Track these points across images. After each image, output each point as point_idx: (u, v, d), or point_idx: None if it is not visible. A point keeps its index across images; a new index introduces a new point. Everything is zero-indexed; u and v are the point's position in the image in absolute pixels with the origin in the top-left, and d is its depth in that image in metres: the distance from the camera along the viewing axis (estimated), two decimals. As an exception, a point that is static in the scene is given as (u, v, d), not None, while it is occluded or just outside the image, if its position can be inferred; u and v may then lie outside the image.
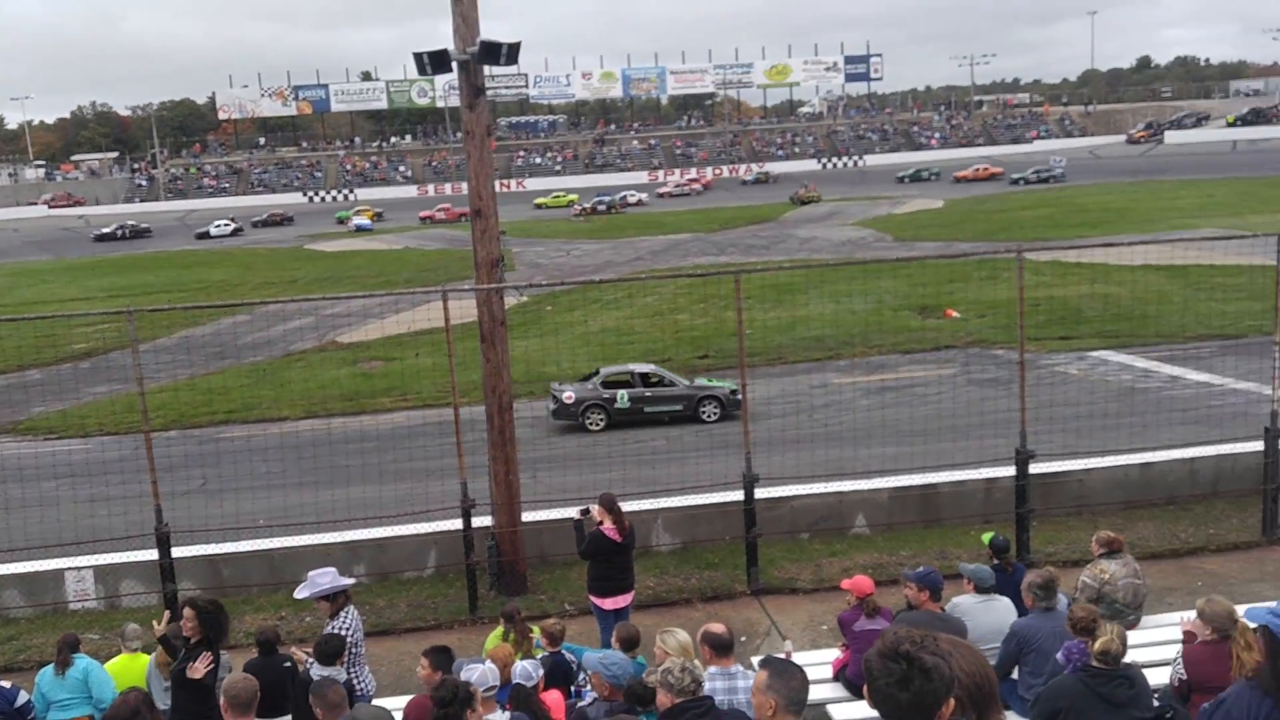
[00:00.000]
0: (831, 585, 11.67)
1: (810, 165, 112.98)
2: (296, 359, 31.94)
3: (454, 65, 12.12)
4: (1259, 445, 13.40)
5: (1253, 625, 4.50)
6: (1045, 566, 9.50)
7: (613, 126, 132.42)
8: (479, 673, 5.87)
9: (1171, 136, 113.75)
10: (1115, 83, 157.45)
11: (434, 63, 12.17)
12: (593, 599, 10.43)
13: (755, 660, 8.81)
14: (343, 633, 7.63)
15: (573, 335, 31.47)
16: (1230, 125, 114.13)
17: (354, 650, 7.72)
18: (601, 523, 10.11)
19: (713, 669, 6.06)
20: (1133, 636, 9.06)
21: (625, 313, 35.28)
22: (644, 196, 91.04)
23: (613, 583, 10.31)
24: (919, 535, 13.91)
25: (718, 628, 6.28)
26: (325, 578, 7.82)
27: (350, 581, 7.95)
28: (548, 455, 18.57)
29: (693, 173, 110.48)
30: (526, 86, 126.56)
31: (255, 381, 29.03)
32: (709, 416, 23.24)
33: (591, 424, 23.01)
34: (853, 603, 8.47)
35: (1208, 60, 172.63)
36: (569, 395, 23.25)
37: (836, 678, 8.46)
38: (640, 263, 50.01)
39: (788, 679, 3.95)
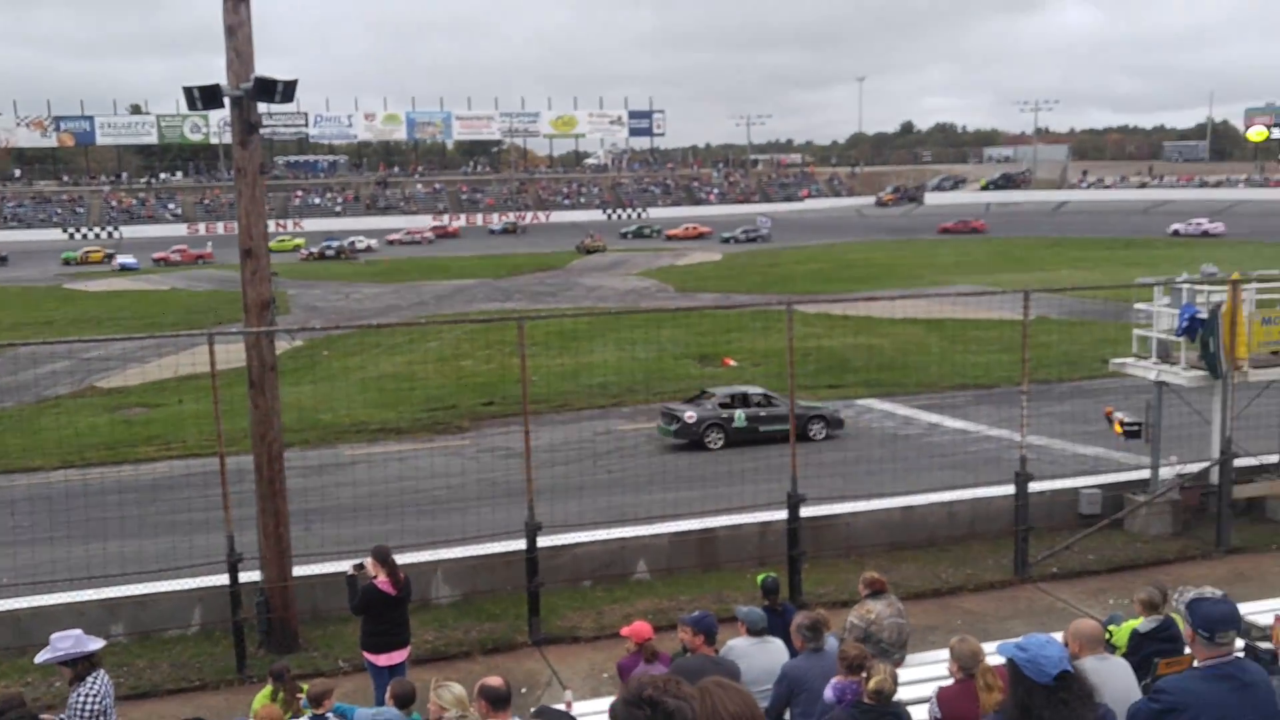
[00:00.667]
0: (613, 632, 11.67)
1: (596, 215, 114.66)
2: (51, 405, 29.68)
3: (226, 101, 11.69)
4: (1010, 489, 14.34)
5: (1002, 659, 4.73)
6: (815, 608, 9.82)
7: (396, 169, 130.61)
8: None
9: (931, 198, 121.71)
10: (881, 146, 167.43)
11: (205, 98, 11.71)
12: (367, 655, 10.07)
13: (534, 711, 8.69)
14: (87, 701, 7.05)
15: (351, 381, 30.62)
16: (984, 189, 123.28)
17: (102, 719, 7.14)
18: (375, 576, 9.79)
19: (490, 722, 5.93)
20: (905, 674, 9.48)
21: (408, 358, 34.61)
22: (373, 243, 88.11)
23: (387, 638, 9.98)
24: (698, 579, 14.14)
25: (494, 681, 6.16)
26: (66, 641, 7.20)
27: (96, 645, 7.35)
28: (320, 506, 17.86)
29: (439, 220, 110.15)
30: (306, 125, 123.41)
31: (4, 429, 26.82)
32: (817, 435, 23.63)
33: (711, 442, 23.27)
34: (632, 649, 8.48)
35: (964, 127, 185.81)
36: (690, 415, 23.60)
37: (615, 726, 8.42)
38: (424, 308, 49.31)
39: (559, 732, 3.89)
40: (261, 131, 11.98)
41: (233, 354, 12.77)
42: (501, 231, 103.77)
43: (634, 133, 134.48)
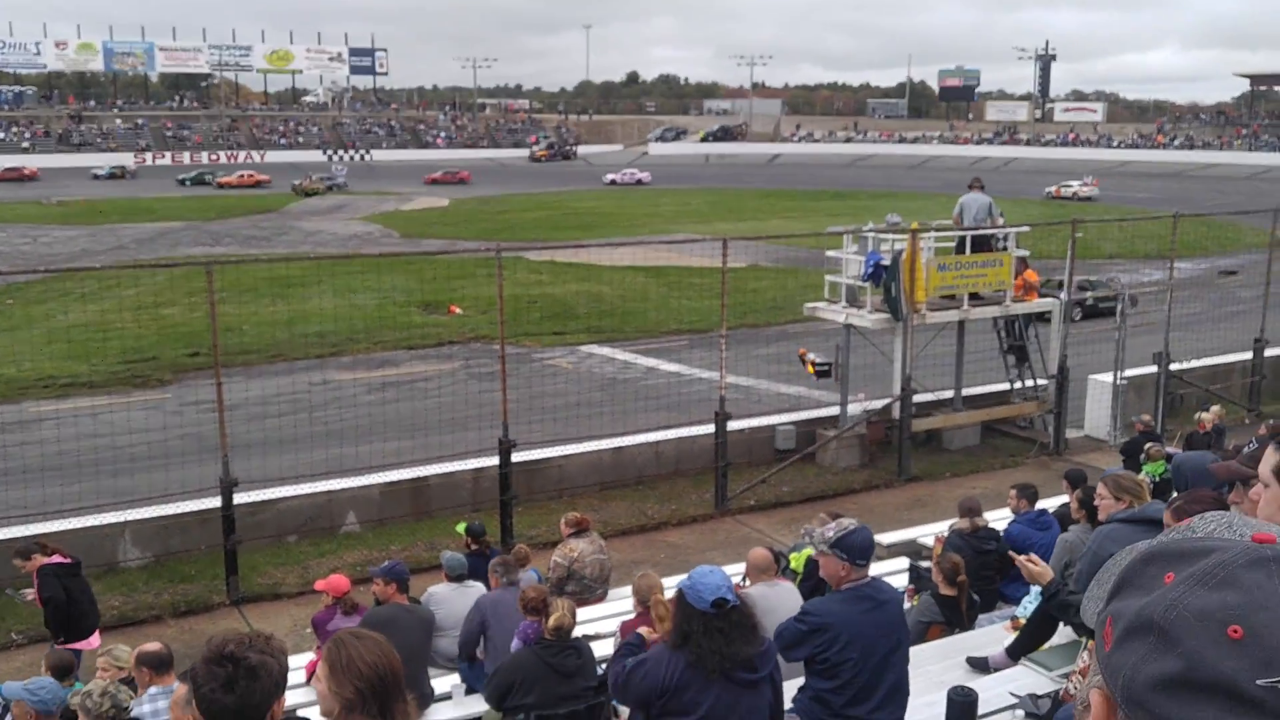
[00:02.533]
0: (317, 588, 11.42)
1: (316, 156, 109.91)
2: None
3: None
4: (712, 428, 15.00)
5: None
6: (518, 548, 9.98)
7: (93, 103, 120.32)
8: None
9: (655, 149, 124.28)
10: (608, 95, 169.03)
11: None
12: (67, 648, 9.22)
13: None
14: None
15: (37, 331, 28.19)
16: (703, 140, 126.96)
17: None
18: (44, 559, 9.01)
19: (154, 689, 5.66)
20: (600, 609, 9.78)
21: (102, 306, 32.09)
22: None
23: (84, 620, 9.17)
24: (410, 528, 14.02)
25: (151, 646, 5.89)
26: None
27: None
28: (5, 468, 16.40)
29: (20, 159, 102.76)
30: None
31: None
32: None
33: (1073, 315, 25.87)
34: (329, 603, 8.33)
35: (687, 79, 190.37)
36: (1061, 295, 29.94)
37: (309, 681, 8.27)
38: (122, 252, 45.92)
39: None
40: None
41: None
42: (108, 177, 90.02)
43: (355, 71, 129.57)
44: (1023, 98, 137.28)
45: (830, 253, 18.23)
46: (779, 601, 6.62)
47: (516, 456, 13.59)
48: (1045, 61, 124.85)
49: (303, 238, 52.05)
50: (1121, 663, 0.94)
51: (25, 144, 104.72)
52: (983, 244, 17.50)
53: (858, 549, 5.10)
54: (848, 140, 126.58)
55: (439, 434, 18.52)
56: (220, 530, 11.79)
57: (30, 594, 9.11)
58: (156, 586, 12.10)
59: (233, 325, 27.32)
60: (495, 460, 13.50)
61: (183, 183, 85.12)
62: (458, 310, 32.80)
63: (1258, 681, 0.86)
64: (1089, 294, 27.60)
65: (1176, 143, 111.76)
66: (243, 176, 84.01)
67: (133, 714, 4.96)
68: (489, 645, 7.69)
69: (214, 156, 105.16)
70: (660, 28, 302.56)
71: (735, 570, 8.76)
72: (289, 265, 32.17)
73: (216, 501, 11.79)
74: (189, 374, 25.09)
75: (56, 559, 9.01)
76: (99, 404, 22.54)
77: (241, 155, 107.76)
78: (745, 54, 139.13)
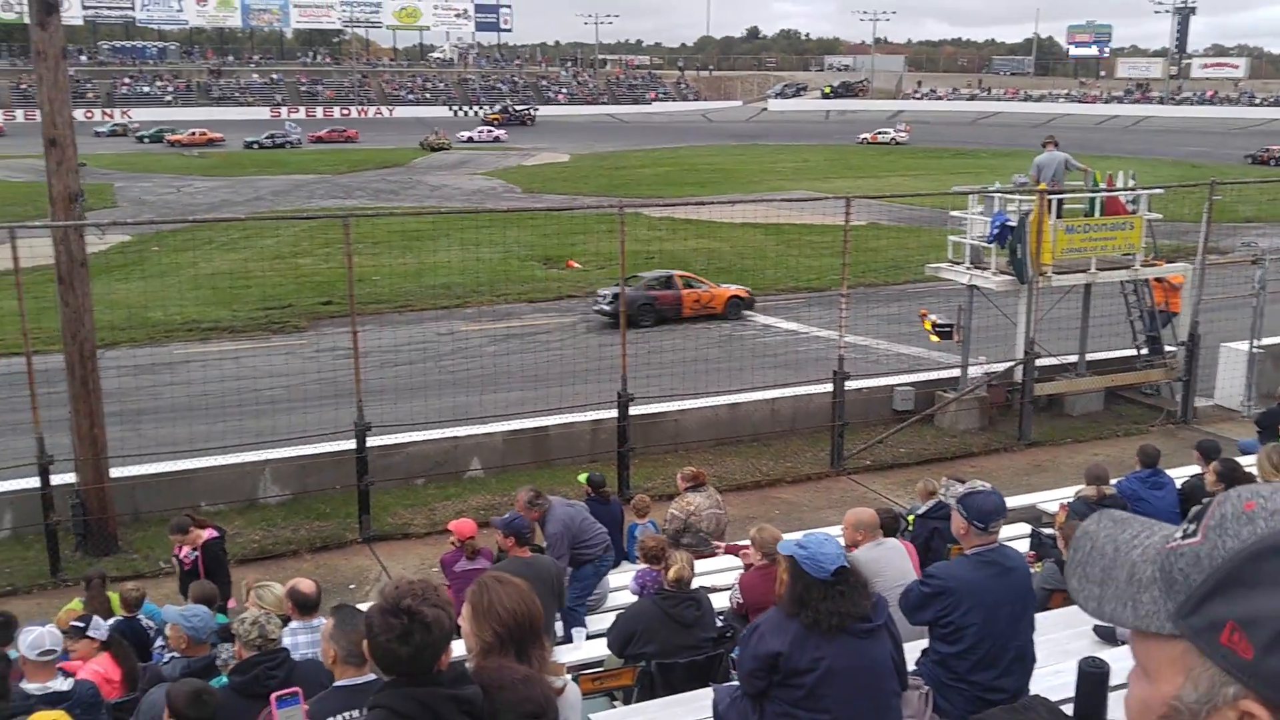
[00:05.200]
0: (445, 529, 11.87)
1: (442, 112, 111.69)
2: None
3: (24, -23, 11.01)
4: (830, 387, 15.01)
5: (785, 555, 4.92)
6: (640, 498, 10.25)
7: (231, 58, 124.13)
8: (35, 635, 5.51)
9: (774, 105, 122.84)
10: (728, 50, 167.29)
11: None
12: None
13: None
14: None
15: (182, 278, 29.52)
16: (825, 96, 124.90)
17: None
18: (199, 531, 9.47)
19: (296, 623, 6.05)
20: (716, 562, 9.98)
21: (243, 255, 33.50)
22: None
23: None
24: (531, 476, 14.36)
25: (305, 586, 6.25)
26: None
27: None
28: (149, 406, 17.36)
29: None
30: (133, 9, 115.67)
31: None
32: None
33: None
34: (456, 544, 8.69)
35: (808, 35, 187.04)
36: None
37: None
38: (260, 203, 47.55)
39: (349, 630, 4.02)
40: (84, 13, 11.31)
41: (41, 250, 12.20)
42: (109, 134, 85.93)
43: (480, 27, 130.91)
44: (1157, 54, 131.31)
45: (955, 212, 17.92)
46: (885, 561, 6.55)
47: (634, 410, 13.85)
48: (1184, 14, 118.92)
49: (429, 192, 53.13)
50: None
51: (168, 97, 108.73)
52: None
53: (978, 510, 5.06)
54: (971, 98, 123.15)
55: (559, 385, 18.90)
56: (354, 471, 12.35)
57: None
58: (294, 522, 12.75)
59: (364, 275, 28.14)
60: (614, 413, 13.78)
61: (141, 140, 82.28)
62: (576, 265, 33.15)
63: None
64: None
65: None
66: (194, 134, 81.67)
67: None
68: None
69: (345, 111, 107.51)
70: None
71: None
72: (419, 219, 32.87)
73: (351, 444, 12.34)
74: (323, 321, 26.02)
75: (210, 531, 9.35)
76: (240, 348, 23.65)
77: (371, 110, 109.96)
78: (868, 9, 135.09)
